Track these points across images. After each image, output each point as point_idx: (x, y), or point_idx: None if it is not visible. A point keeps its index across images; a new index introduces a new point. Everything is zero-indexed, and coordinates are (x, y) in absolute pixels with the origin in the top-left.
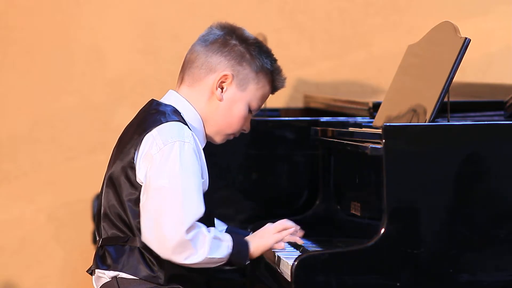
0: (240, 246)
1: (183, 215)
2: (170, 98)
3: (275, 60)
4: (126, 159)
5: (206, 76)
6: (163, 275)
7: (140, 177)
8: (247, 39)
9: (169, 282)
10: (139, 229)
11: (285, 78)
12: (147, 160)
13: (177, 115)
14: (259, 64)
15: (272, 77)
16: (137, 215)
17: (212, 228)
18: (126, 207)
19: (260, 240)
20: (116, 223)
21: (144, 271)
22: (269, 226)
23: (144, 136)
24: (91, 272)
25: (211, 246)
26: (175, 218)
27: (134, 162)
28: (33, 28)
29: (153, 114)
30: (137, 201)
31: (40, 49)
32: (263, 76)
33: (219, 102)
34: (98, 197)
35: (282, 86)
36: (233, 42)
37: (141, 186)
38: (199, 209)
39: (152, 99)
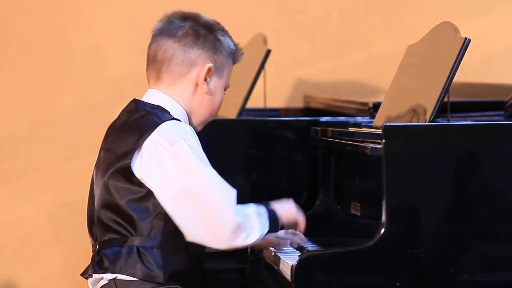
0: (273, 215)
1: (226, 202)
2: (153, 97)
3: (230, 37)
4: (124, 163)
5: (188, 71)
6: (162, 273)
7: (151, 183)
8: (211, 25)
9: (169, 280)
10: (147, 229)
11: (243, 53)
12: (159, 165)
13: (167, 113)
14: (227, 47)
15: (235, 55)
16: (144, 215)
17: (250, 204)
18: (128, 209)
19: (284, 208)
20: (112, 226)
21: (142, 271)
22: (290, 201)
23: (145, 140)
24: (86, 276)
25: (260, 222)
26: (221, 208)
27: (132, 165)
28: (33, 28)
29: (145, 116)
30: (142, 201)
31: (40, 49)
32: (232, 57)
33: (205, 94)
34: (89, 202)
35: (241, 60)
36: (202, 31)
37: (146, 187)
38: (233, 190)
39: (135, 99)
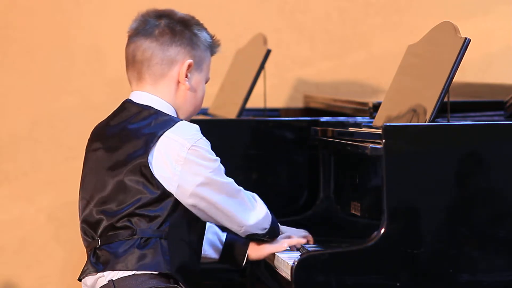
0: (274, 219)
1: (233, 181)
2: (141, 99)
3: (206, 29)
4: (141, 161)
5: (169, 70)
6: (169, 263)
7: (172, 181)
8: (187, 21)
9: (177, 271)
10: (158, 223)
11: (220, 44)
12: (180, 163)
13: (165, 115)
14: (204, 40)
15: (212, 47)
16: (157, 211)
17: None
18: (141, 206)
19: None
20: (122, 223)
21: (150, 261)
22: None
23: (159, 138)
24: (83, 278)
25: (264, 204)
26: (234, 188)
27: (150, 163)
28: (33, 28)
29: (151, 115)
30: (157, 197)
31: (40, 49)
32: (209, 50)
33: (187, 90)
34: (83, 203)
35: (218, 51)
36: (179, 28)
37: (161, 185)
38: None
39: (130, 100)
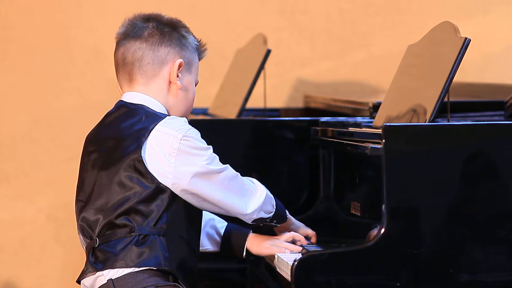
0: (279, 202)
1: (229, 167)
2: (134, 99)
3: (193, 34)
4: (134, 156)
5: (160, 69)
6: (168, 260)
7: (168, 173)
8: (174, 23)
9: (176, 268)
10: (155, 219)
11: (206, 49)
12: (173, 155)
13: (155, 111)
14: (192, 43)
15: (199, 51)
16: (154, 207)
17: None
18: (138, 203)
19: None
20: (120, 220)
21: (149, 258)
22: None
23: (150, 132)
24: (82, 279)
25: (264, 187)
26: (231, 175)
27: (143, 159)
28: (33, 28)
29: (141, 112)
30: (153, 193)
31: (40, 49)
32: (197, 53)
33: (179, 90)
34: (81, 204)
35: (205, 56)
36: (167, 29)
37: (156, 180)
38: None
39: (122, 101)
